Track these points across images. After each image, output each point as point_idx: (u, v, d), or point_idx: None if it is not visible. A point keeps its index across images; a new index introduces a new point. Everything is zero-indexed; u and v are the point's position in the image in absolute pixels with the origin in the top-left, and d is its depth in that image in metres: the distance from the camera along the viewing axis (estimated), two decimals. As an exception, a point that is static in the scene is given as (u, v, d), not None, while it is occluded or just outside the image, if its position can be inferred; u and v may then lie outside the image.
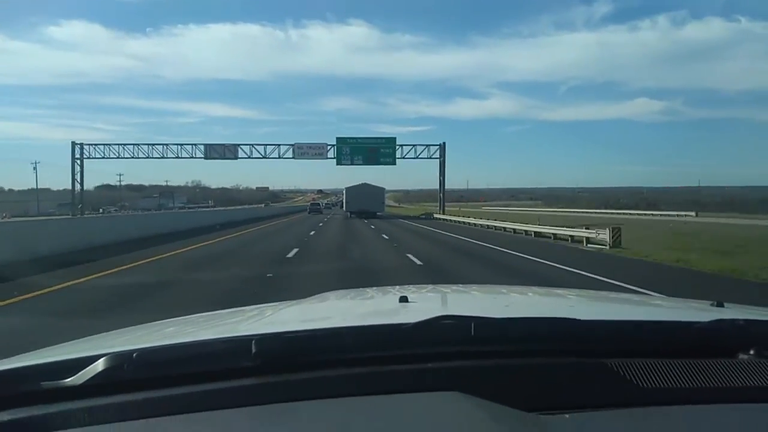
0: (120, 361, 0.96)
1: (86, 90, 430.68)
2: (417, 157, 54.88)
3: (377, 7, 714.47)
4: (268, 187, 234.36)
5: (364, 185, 55.03)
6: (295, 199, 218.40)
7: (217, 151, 54.47)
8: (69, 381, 0.95)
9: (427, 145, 55.19)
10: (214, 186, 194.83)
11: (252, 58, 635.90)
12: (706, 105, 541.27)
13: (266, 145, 54.48)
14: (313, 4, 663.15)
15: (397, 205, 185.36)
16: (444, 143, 55.39)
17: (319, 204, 79.53)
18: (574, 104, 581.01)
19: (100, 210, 78.32)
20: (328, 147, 54.12)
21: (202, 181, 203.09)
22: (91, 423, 0.89)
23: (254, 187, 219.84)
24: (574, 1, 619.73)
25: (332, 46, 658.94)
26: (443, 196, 55.79)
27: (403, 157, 54.76)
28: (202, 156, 54.11)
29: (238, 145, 54.65)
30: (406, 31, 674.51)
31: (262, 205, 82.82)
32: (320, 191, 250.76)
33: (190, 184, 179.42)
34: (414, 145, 55.07)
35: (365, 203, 52.34)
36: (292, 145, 53.89)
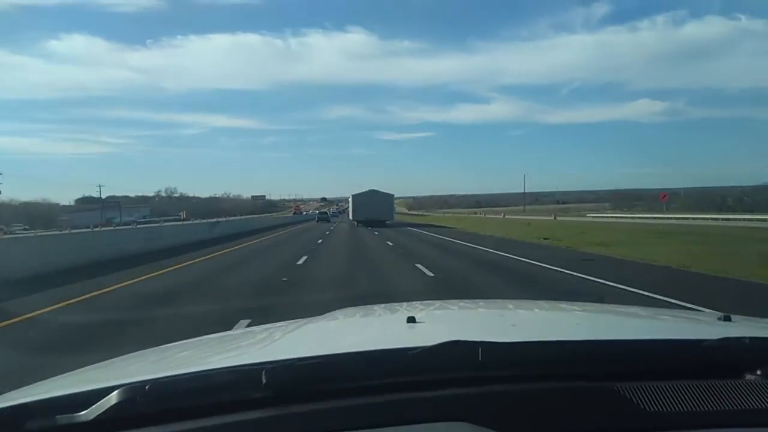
0: (132, 393, 0.95)
1: (89, 103, 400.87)
2: None
3: (375, 14, 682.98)
4: (264, 196, 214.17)
5: (372, 192, 52.53)
6: (297, 209, 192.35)
7: None
8: (82, 415, 0.93)
9: None
10: (204, 195, 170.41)
11: (253, 67, 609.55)
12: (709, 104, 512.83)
13: None
14: (311, 13, 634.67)
15: (408, 212, 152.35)
16: None
17: (326, 212, 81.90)
18: (576, 107, 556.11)
19: None
20: None
21: (179, 188, 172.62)
22: None
23: (248, 196, 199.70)
24: (572, 3, 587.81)
25: (332, 53, 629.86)
26: None
27: None
28: None
29: None
30: (404, 37, 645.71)
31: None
32: (324, 199, 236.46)
33: (163, 193, 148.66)
34: None
35: (373, 211, 49.52)
36: None
